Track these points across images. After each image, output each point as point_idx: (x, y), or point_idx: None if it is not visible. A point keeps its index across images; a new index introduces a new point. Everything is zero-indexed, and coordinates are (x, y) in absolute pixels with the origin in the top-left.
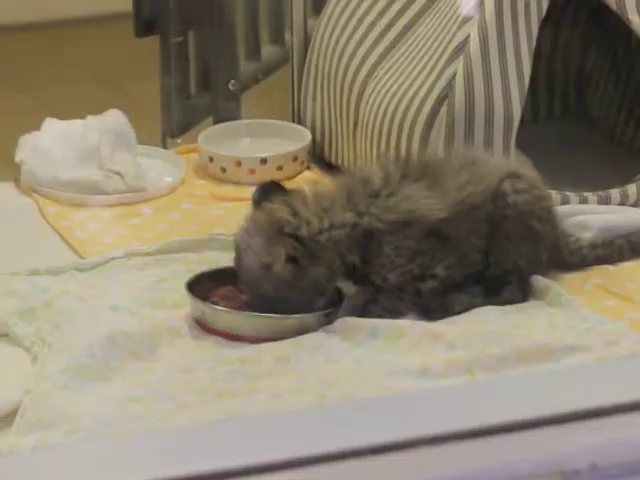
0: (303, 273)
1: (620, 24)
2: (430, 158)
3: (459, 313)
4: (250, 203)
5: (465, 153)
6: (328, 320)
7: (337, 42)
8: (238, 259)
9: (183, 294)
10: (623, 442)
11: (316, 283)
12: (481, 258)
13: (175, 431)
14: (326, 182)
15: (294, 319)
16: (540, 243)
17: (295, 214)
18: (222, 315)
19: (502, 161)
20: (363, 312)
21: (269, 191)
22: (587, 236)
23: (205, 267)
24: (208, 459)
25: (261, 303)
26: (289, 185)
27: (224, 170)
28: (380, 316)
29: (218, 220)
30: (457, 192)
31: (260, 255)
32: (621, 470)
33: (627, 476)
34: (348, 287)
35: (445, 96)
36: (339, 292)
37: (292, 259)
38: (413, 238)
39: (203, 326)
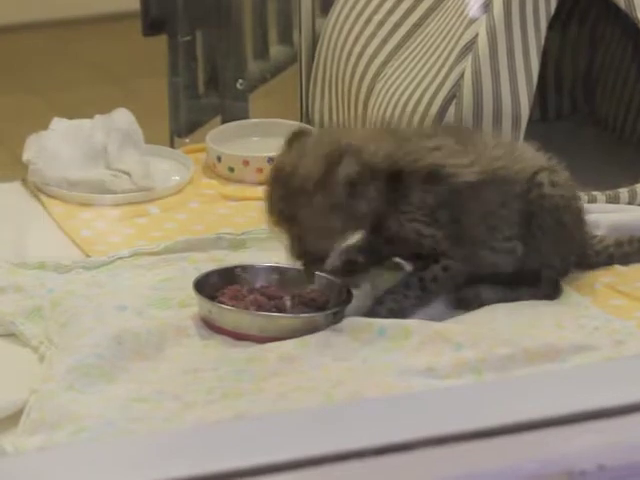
0: (354, 199)
1: (629, 23)
2: (464, 127)
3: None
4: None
5: (503, 137)
6: (335, 320)
7: (345, 41)
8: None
9: (190, 293)
10: (631, 443)
11: (357, 217)
12: (514, 237)
13: (181, 431)
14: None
15: (301, 318)
16: (571, 242)
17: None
18: (229, 314)
19: (539, 155)
20: (369, 314)
21: (301, 134)
22: (606, 235)
23: (212, 266)
24: (215, 459)
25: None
26: None
27: (232, 169)
28: (386, 318)
29: (226, 219)
30: (489, 161)
31: (323, 162)
32: (629, 471)
33: (635, 477)
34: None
35: (453, 95)
36: (348, 291)
37: (352, 182)
38: (436, 198)
39: (210, 325)
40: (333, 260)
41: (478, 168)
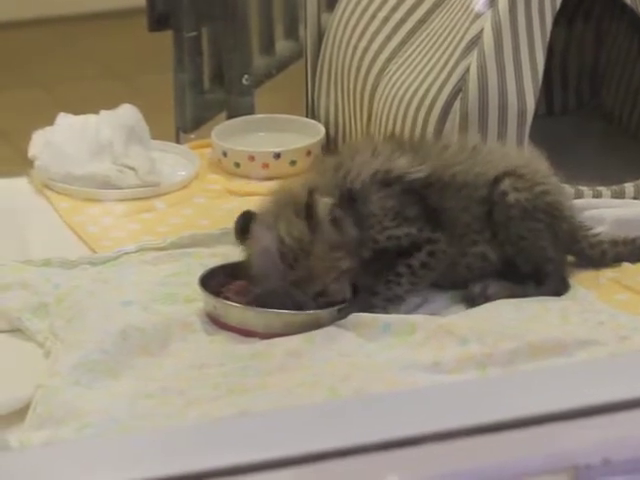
0: (345, 228)
1: (634, 18)
2: (424, 138)
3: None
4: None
5: (469, 138)
6: (340, 316)
7: (351, 37)
8: (265, 252)
9: (196, 289)
10: (636, 437)
11: (352, 245)
12: (481, 241)
13: (186, 427)
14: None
15: (306, 315)
16: (555, 236)
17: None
18: (234, 310)
19: (509, 154)
20: (368, 307)
21: (249, 220)
22: (606, 232)
23: (218, 261)
24: (220, 455)
25: (300, 284)
26: None
27: (238, 165)
28: (383, 308)
29: (231, 215)
30: (438, 158)
31: (298, 226)
32: (634, 465)
33: None
34: None
35: (459, 90)
36: (353, 287)
37: (335, 220)
38: (396, 199)
39: (215, 321)
40: (344, 291)
41: (427, 167)
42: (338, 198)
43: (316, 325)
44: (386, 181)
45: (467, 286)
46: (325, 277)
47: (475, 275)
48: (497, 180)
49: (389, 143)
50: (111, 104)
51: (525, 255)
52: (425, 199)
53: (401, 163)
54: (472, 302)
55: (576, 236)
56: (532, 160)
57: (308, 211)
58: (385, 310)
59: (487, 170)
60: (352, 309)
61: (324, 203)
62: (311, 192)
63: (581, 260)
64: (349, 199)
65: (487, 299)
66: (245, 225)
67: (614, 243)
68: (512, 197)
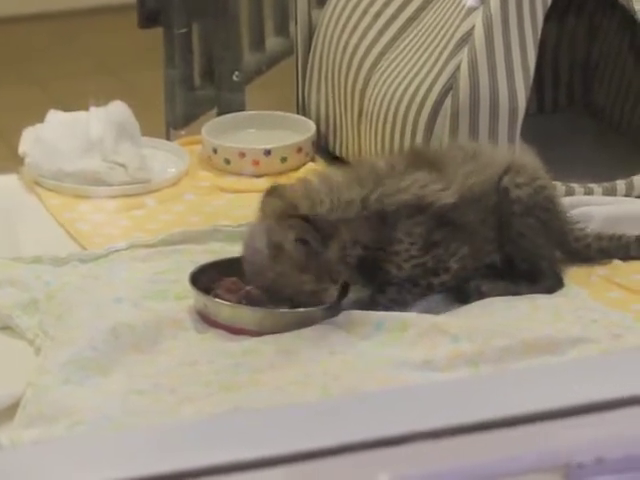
0: (315, 254)
1: (626, 14)
2: (432, 149)
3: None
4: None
5: (466, 145)
6: (333, 314)
7: (341, 33)
8: (246, 250)
9: (186, 286)
10: (629, 435)
11: (329, 267)
12: (493, 250)
13: (178, 425)
14: (331, 170)
15: (298, 313)
16: (549, 232)
17: (304, 197)
18: (224, 309)
19: (503, 153)
20: (370, 303)
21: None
22: (596, 229)
23: (209, 258)
24: (212, 452)
25: (271, 292)
26: (294, 176)
27: (228, 161)
28: (386, 307)
29: (222, 211)
30: (463, 179)
31: (269, 237)
32: (627, 464)
33: (633, 470)
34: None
35: (450, 87)
36: (345, 285)
37: (302, 240)
38: (425, 225)
39: (206, 319)
40: (330, 296)
41: (454, 188)
42: (359, 208)
43: (308, 323)
44: (418, 207)
45: (460, 284)
46: (286, 293)
47: (469, 274)
48: (500, 178)
49: (410, 160)
50: (102, 100)
51: (523, 253)
52: (450, 221)
53: (433, 189)
54: (466, 300)
55: (564, 230)
56: (525, 156)
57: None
58: (387, 310)
59: (492, 175)
60: (349, 305)
61: (288, 232)
62: (284, 214)
63: (566, 254)
64: (377, 217)
65: (481, 297)
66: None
67: (599, 237)
68: (514, 193)
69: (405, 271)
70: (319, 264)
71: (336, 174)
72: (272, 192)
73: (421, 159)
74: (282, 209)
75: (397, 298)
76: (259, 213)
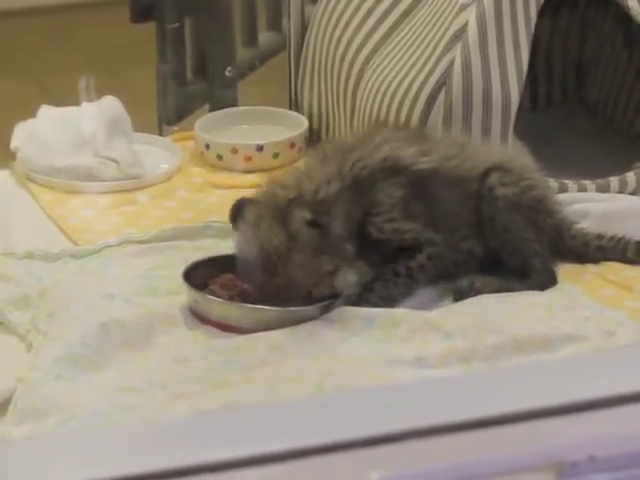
0: (326, 235)
1: (619, 11)
2: (428, 129)
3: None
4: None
5: (458, 136)
6: (325, 312)
7: (334, 28)
8: (248, 259)
9: (178, 282)
10: (622, 433)
11: (339, 244)
12: (470, 235)
13: (170, 421)
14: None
15: (292, 311)
16: (539, 231)
17: (286, 187)
18: (216, 306)
19: (493, 150)
20: (359, 301)
21: (242, 207)
22: (591, 227)
23: (201, 254)
24: (203, 450)
25: (289, 288)
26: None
27: (220, 157)
28: (376, 305)
29: (214, 207)
30: (444, 156)
31: (276, 234)
32: (620, 462)
33: (626, 467)
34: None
35: (443, 83)
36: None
37: (312, 223)
38: (404, 190)
39: (198, 315)
40: (332, 287)
41: (433, 156)
42: (338, 181)
43: (299, 321)
44: (395, 169)
45: (452, 280)
46: (307, 283)
47: (460, 270)
48: (485, 175)
49: (396, 132)
50: (96, 95)
51: (510, 248)
52: (428, 192)
53: (409, 152)
54: (459, 296)
55: (560, 230)
56: (517, 155)
57: (285, 222)
58: (377, 307)
59: (477, 164)
60: (341, 302)
61: (298, 217)
62: (290, 202)
63: (564, 253)
64: (355, 185)
65: (475, 293)
66: (238, 213)
67: (598, 237)
68: (499, 191)
69: (385, 234)
70: (331, 243)
71: (305, 161)
72: (253, 200)
73: (403, 132)
74: (283, 200)
75: (385, 295)
76: (247, 218)
